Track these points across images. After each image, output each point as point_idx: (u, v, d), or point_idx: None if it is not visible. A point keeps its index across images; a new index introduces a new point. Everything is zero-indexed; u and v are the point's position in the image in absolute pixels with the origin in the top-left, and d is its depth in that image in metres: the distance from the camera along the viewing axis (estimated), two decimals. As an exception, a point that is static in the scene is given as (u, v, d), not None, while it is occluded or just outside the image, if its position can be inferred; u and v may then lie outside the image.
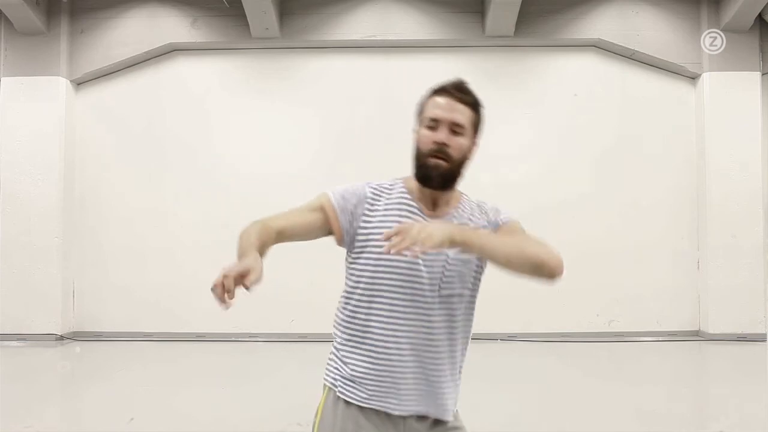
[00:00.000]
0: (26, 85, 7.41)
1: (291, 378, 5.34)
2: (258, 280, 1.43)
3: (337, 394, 1.63)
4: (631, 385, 4.89)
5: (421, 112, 1.65)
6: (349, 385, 1.62)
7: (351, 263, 1.66)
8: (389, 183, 1.70)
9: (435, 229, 1.37)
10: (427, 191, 1.62)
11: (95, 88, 7.75)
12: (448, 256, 1.57)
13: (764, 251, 7.27)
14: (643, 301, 7.44)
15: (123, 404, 4.43)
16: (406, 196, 1.65)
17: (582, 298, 7.32)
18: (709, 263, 7.28)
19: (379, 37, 7.49)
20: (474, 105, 1.66)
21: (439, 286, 1.59)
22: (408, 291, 1.58)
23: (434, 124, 1.60)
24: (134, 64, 7.71)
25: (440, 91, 1.65)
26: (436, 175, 1.58)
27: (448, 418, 1.62)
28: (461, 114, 1.61)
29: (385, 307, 1.59)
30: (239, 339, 7.34)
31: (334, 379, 1.65)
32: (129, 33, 7.53)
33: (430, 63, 7.66)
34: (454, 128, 1.59)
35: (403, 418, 1.59)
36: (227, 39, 7.53)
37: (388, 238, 1.39)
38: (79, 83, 7.72)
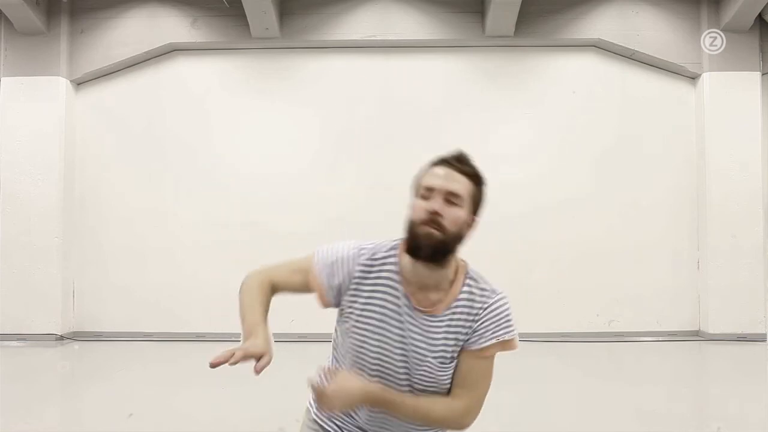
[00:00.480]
0: (26, 85, 7.40)
1: (291, 378, 5.33)
2: (269, 363, 1.48)
3: (314, 418, 1.72)
4: (631, 385, 4.89)
5: (417, 183, 1.57)
6: (324, 414, 1.70)
7: (338, 319, 1.67)
8: (384, 252, 1.61)
9: (349, 394, 1.45)
10: (419, 267, 1.53)
11: (95, 88, 7.75)
12: (426, 358, 1.55)
13: (764, 251, 7.27)
14: (643, 301, 7.44)
15: (123, 404, 4.43)
16: (394, 278, 1.58)
17: (582, 298, 7.32)
18: (709, 263, 7.28)
19: (379, 37, 7.49)
20: (474, 177, 1.57)
21: (410, 380, 1.58)
22: (378, 374, 1.58)
23: (429, 193, 1.52)
24: (134, 64, 7.71)
25: (439, 162, 1.57)
26: (426, 245, 1.48)
27: None
28: (458, 184, 1.53)
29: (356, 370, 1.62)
30: (239, 339, 7.30)
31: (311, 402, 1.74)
32: (129, 33, 7.53)
33: (430, 63, 7.66)
34: (450, 198, 1.51)
35: None
36: (227, 39, 7.53)
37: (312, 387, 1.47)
38: (79, 83, 7.72)
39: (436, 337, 1.55)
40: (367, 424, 1.63)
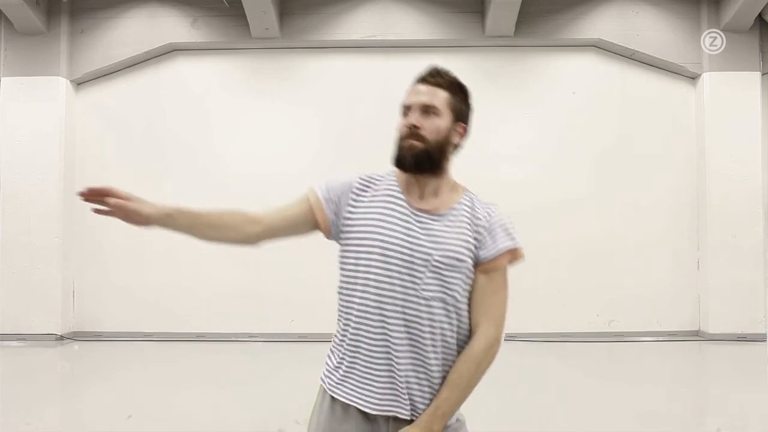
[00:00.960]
0: (26, 85, 7.40)
1: (291, 378, 5.34)
2: (129, 217, 1.62)
3: (326, 388, 1.64)
4: (631, 385, 4.89)
5: (401, 105, 1.68)
6: (334, 380, 1.62)
7: (340, 256, 1.67)
8: (380, 175, 1.70)
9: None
10: (414, 180, 1.62)
11: (95, 88, 7.76)
12: (431, 257, 1.55)
13: (764, 251, 7.27)
14: (643, 301, 7.44)
15: (123, 404, 4.43)
16: (394, 187, 1.64)
17: (582, 298, 7.32)
18: (709, 263, 7.28)
19: (379, 37, 7.49)
20: (449, 86, 1.64)
21: (417, 287, 1.55)
22: (383, 288, 1.55)
23: (408, 111, 1.63)
24: (134, 64, 7.71)
25: (416, 80, 1.67)
26: (409, 155, 1.58)
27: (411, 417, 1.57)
28: (433, 96, 1.61)
29: (361, 302, 1.57)
30: (239, 339, 7.34)
31: (324, 374, 1.67)
32: (129, 33, 7.53)
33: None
34: (427, 110, 1.60)
35: (386, 419, 1.56)
36: (227, 39, 7.53)
37: None
38: (79, 83, 7.72)
39: (439, 234, 1.57)
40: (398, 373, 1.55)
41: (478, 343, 1.55)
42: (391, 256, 1.55)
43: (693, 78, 7.58)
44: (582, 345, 6.90)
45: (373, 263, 1.57)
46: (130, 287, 7.55)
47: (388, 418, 1.56)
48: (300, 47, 7.65)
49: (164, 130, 7.69)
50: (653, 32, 7.45)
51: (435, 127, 1.59)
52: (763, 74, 7.37)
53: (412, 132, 1.59)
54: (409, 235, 1.57)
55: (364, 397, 1.56)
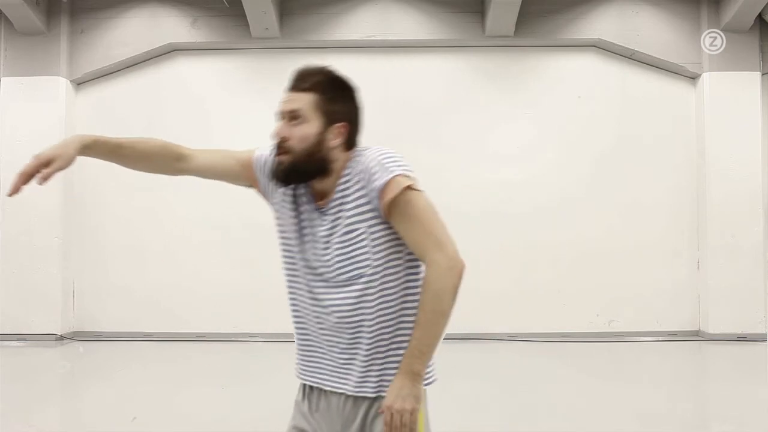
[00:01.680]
0: (26, 85, 7.40)
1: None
2: (59, 168, 1.59)
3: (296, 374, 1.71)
4: (631, 385, 4.89)
5: None
6: (297, 363, 1.73)
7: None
8: None
9: (406, 406, 1.43)
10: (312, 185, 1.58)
11: (95, 88, 7.76)
12: (326, 267, 1.55)
13: (764, 251, 7.27)
14: (643, 301, 7.44)
15: (123, 404, 4.43)
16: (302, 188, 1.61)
17: (582, 298, 7.32)
18: (709, 263, 7.28)
19: (379, 37, 7.49)
20: (316, 87, 1.54)
21: (327, 273, 1.56)
22: (299, 272, 1.61)
23: (277, 120, 1.56)
24: (134, 64, 7.71)
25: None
26: (280, 172, 1.53)
27: (365, 394, 1.55)
28: (296, 101, 1.52)
29: (288, 281, 1.67)
30: (239, 339, 7.34)
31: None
32: (129, 33, 7.53)
33: (430, 63, 7.66)
34: (293, 117, 1.52)
35: (336, 394, 1.60)
36: (227, 39, 7.53)
37: None
38: (79, 83, 7.72)
39: (329, 225, 1.55)
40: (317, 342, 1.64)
41: (428, 274, 1.47)
42: (294, 265, 1.63)
43: (693, 78, 7.58)
44: (582, 345, 6.90)
45: (289, 254, 1.64)
46: (130, 287, 7.55)
47: (343, 394, 1.59)
48: (300, 47, 7.64)
49: (164, 130, 7.63)
50: (653, 32, 7.44)
51: (301, 134, 1.51)
52: (763, 74, 7.36)
53: (279, 145, 1.53)
54: (302, 242, 1.59)
55: (315, 375, 1.66)
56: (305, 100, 1.53)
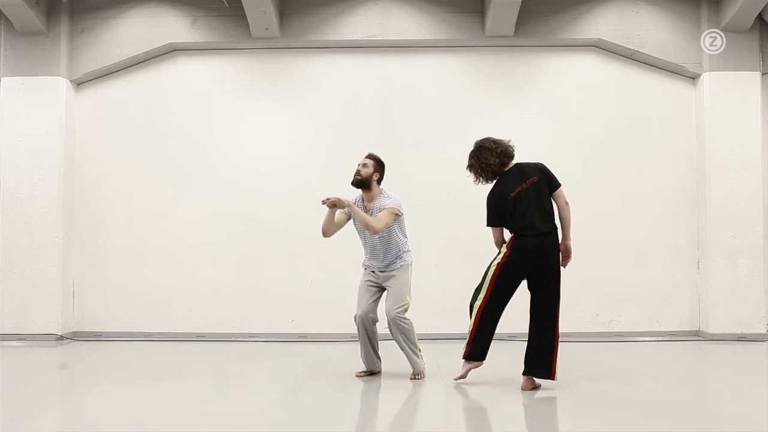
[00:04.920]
0: (26, 85, 7.41)
1: (291, 378, 5.34)
2: (337, 206, 4.79)
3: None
4: (631, 385, 4.89)
5: None
6: (365, 261, 5.15)
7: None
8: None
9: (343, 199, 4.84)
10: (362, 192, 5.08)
11: (95, 88, 7.76)
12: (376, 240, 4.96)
13: (764, 251, 7.27)
14: (643, 300, 7.45)
15: (123, 404, 4.43)
16: (359, 200, 5.09)
17: (582, 298, 7.33)
18: (709, 263, 7.28)
19: (379, 37, 7.50)
20: (374, 158, 5.03)
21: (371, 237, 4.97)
22: (367, 233, 4.94)
23: (359, 165, 5.03)
24: (134, 64, 7.72)
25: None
26: (356, 180, 4.96)
27: (391, 270, 4.99)
28: (367, 160, 5.03)
29: (362, 237, 5.06)
30: (239, 339, 7.34)
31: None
32: (129, 33, 7.54)
33: (430, 63, 7.67)
34: (364, 165, 4.99)
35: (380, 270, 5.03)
36: (227, 39, 7.54)
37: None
38: (80, 83, 7.73)
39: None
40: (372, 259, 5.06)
41: (380, 217, 4.85)
42: (364, 232, 5.00)
43: (693, 78, 7.59)
44: (582, 345, 6.90)
45: (359, 231, 5.11)
46: (130, 287, 7.56)
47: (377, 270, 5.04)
48: (300, 47, 7.65)
49: (164, 130, 7.70)
50: (653, 32, 7.45)
51: (366, 172, 4.97)
52: (763, 74, 7.37)
53: (357, 172, 4.98)
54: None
55: (372, 265, 5.07)
56: (371, 162, 5.01)
